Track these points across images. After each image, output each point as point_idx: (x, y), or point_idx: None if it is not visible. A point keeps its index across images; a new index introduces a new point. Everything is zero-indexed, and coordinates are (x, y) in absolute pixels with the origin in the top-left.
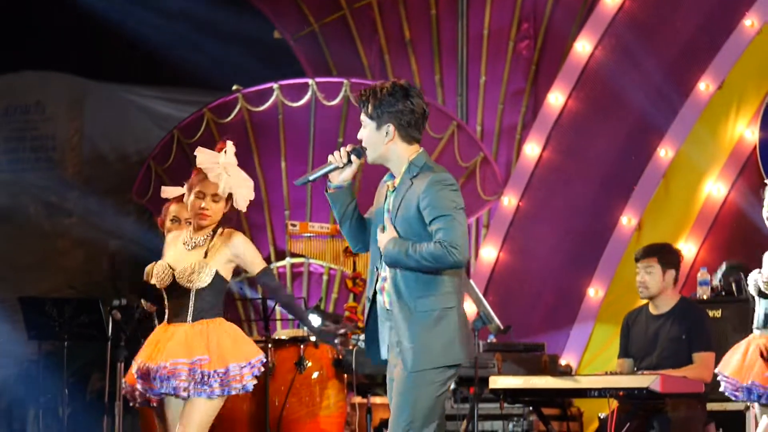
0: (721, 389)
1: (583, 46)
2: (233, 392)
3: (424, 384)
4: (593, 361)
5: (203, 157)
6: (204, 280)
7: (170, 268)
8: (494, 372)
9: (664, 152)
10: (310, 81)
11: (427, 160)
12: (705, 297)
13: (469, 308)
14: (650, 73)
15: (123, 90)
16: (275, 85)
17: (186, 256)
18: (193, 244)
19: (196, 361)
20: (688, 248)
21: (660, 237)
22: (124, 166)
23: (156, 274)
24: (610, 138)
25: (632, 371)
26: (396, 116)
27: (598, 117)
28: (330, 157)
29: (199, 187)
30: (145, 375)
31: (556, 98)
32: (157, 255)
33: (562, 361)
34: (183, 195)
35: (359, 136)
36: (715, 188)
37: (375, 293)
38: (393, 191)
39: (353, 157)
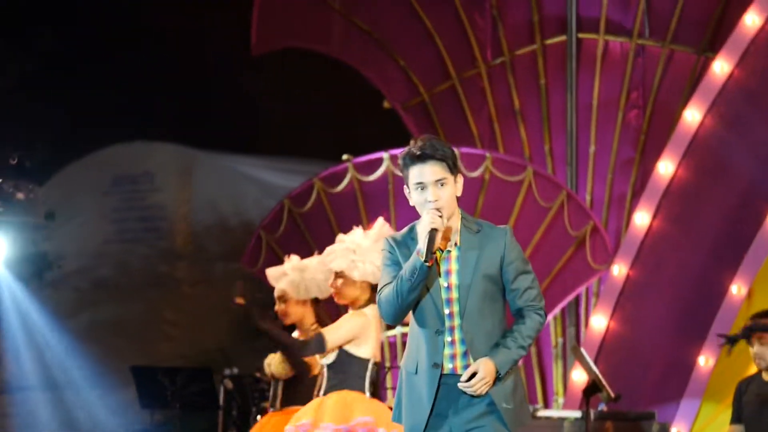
0: None
1: (692, 115)
2: None
3: None
4: (704, 431)
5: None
6: None
7: None
8: None
9: None
10: None
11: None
12: None
13: (580, 376)
14: (760, 140)
15: (231, 160)
16: (385, 155)
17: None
18: None
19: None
20: None
21: None
22: (234, 235)
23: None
24: (719, 206)
25: None
26: (458, 168)
27: (707, 185)
28: (433, 224)
29: None
30: None
31: (665, 167)
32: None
33: (673, 430)
34: None
35: (436, 196)
36: None
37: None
38: (449, 251)
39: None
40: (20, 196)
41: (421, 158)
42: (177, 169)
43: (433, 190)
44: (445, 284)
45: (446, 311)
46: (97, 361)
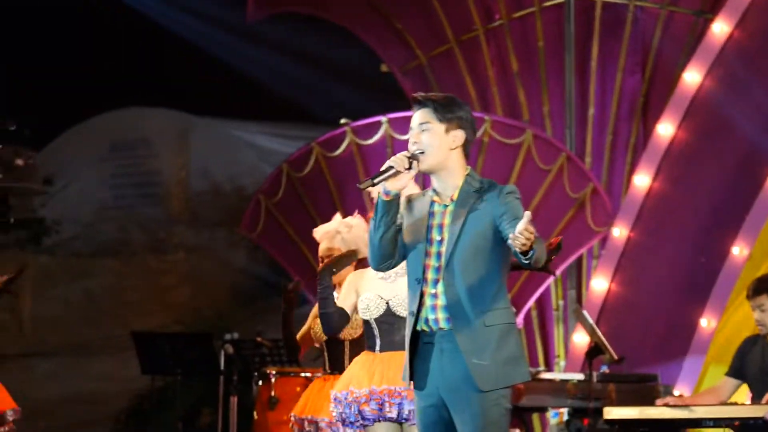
0: None
1: (692, 77)
2: None
3: (498, 404)
4: None
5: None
6: None
7: (382, 298)
8: (608, 403)
9: None
10: None
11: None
12: None
13: (582, 338)
14: (759, 101)
15: (228, 125)
16: (383, 119)
17: (392, 287)
18: (394, 275)
19: None
20: None
21: None
22: (231, 201)
23: (367, 307)
24: (720, 167)
25: (732, 392)
26: (464, 124)
27: (707, 147)
28: (391, 161)
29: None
30: (368, 400)
31: (665, 128)
32: (268, 287)
33: (676, 392)
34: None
35: (416, 138)
36: None
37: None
38: (447, 205)
39: (414, 163)
40: (19, 162)
41: (415, 103)
42: (174, 134)
43: (414, 134)
44: (438, 237)
45: (435, 264)
46: (96, 327)
